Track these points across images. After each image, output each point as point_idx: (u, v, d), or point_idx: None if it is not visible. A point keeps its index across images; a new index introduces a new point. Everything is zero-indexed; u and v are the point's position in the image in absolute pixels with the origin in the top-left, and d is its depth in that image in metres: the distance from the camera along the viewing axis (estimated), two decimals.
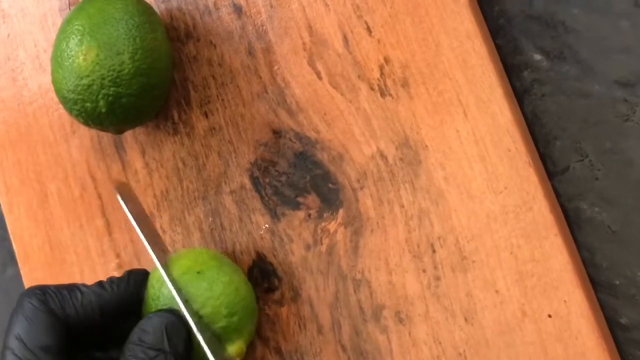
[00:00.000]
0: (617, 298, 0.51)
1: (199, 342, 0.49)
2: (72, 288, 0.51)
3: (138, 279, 0.53)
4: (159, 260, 0.51)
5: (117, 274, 0.60)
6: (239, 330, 0.52)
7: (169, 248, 0.59)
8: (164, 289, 0.51)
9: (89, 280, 0.61)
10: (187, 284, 0.51)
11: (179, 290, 0.51)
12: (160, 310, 0.50)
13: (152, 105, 0.57)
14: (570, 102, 0.52)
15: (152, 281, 0.52)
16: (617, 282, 0.51)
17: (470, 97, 0.52)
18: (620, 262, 0.51)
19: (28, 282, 0.63)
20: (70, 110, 0.55)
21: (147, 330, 0.49)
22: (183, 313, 0.50)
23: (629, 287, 0.51)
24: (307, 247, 0.56)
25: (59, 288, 0.50)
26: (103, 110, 0.54)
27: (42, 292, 0.49)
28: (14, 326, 0.48)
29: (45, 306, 0.49)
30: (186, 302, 0.50)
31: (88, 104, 0.54)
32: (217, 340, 0.51)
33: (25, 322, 0.48)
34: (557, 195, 0.53)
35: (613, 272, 0.51)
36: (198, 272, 0.52)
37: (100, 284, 0.51)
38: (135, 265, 0.60)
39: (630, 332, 0.51)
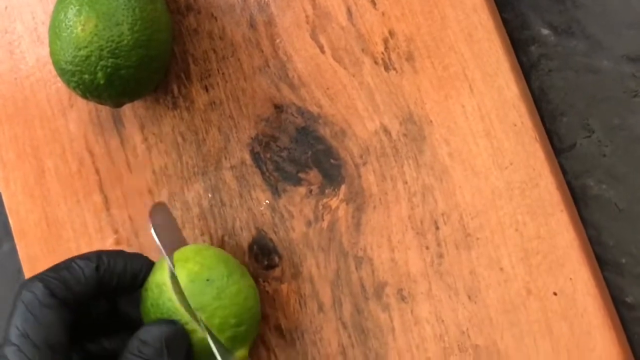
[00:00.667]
0: (623, 277, 0.50)
1: (205, 351, 0.49)
2: (69, 266, 0.49)
3: (135, 266, 0.52)
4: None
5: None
6: (244, 338, 0.51)
7: None
8: (164, 296, 0.50)
9: None
10: (196, 293, 0.50)
11: (187, 300, 0.50)
12: (160, 320, 0.50)
13: (151, 78, 0.56)
14: (578, 78, 0.52)
15: (151, 285, 0.51)
16: (624, 261, 0.50)
17: (476, 71, 0.51)
18: (627, 240, 0.50)
19: (24, 257, 0.62)
20: (68, 82, 0.54)
21: (147, 341, 0.48)
22: (195, 325, 0.49)
23: (636, 265, 0.50)
24: (308, 224, 0.55)
25: (57, 271, 0.49)
26: (101, 82, 0.53)
27: (44, 283, 0.47)
28: (18, 321, 0.46)
29: (52, 299, 0.47)
30: (195, 311, 0.50)
31: (86, 76, 0.53)
32: (224, 349, 0.50)
33: (31, 317, 0.46)
34: (564, 172, 0.52)
35: (619, 251, 0.50)
36: (207, 280, 0.51)
37: (98, 255, 0.50)
38: (134, 242, 0.59)
39: (636, 310, 0.50)
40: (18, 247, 0.63)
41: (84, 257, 0.50)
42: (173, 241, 0.54)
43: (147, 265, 0.52)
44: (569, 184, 0.52)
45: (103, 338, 0.52)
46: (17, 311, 0.46)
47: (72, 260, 0.50)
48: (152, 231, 0.52)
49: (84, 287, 0.49)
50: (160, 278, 0.50)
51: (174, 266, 0.51)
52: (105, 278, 0.50)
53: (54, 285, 0.47)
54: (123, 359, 0.47)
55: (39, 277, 0.48)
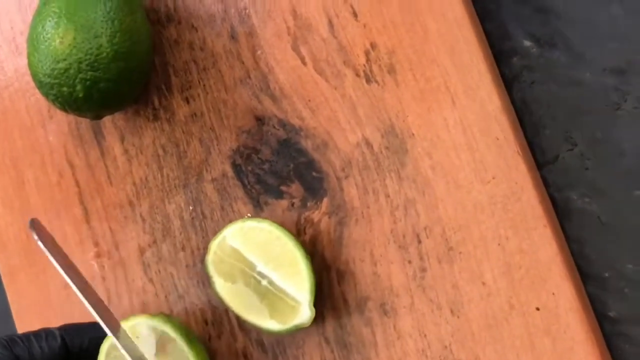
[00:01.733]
0: (607, 291, 0.50)
1: None
2: (39, 332, 0.52)
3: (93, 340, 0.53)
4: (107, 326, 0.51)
5: (95, 263, 0.59)
6: None
7: (149, 237, 0.58)
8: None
9: None
10: None
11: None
12: None
13: (131, 90, 0.55)
14: (561, 90, 0.51)
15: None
16: (607, 275, 0.50)
17: (459, 84, 0.50)
18: (610, 254, 0.50)
19: (4, 269, 0.62)
20: (46, 95, 0.54)
21: None
22: None
23: (618, 279, 0.50)
24: None
25: (26, 334, 0.52)
26: (80, 95, 0.52)
27: (8, 339, 0.50)
28: None
29: (10, 352, 0.50)
30: None
31: (65, 89, 0.52)
32: None
33: None
34: (546, 185, 0.51)
35: (602, 265, 0.50)
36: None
37: (67, 325, 0.53)
38: (114, 255, 0.59)
39: (619, 325, 0.50)
40: None
41: (53, 328, 0.53)
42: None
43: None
44: (551, 197, 0.51)
45: None
46: None
47: (41, 329, 0.53)
48: (41, 244, 0.51)
49: (48, 355, 0.51)
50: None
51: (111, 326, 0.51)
52: (72, 349, 0.52)
53: (16, 345, 0.50)
54: None
55: (8, 335, 0.51)
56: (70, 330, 0.53)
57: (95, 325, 0.52)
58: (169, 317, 0.54)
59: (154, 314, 0.54)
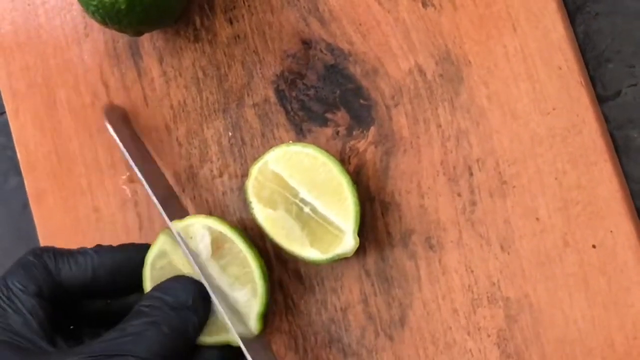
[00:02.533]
0: None
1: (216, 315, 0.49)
2: (70, 250, 0.50)
3: (137, 255, 0.51)
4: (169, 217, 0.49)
5: (127, 188, 0.57)
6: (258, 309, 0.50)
7: (185, 162, 0.56)
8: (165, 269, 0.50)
9: (97, 191, 0.58)
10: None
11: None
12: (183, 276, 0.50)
13: (173, 7, 0.53)
14: (626, 23, 0.49)
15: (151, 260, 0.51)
16: None
17: (521, 10, 0.48)
18: None
19: (32, 192, 0.60)
20: (86, 7, 0.51)
21: (174, 287, 0.48)
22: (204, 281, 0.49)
23: None
24: None
25: (60, 250, 0.50)
26: (122, 6, 0.50)
27: (41, 250, 0.49)
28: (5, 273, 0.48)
29: (39, 260, 0.48)
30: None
31: (106, 0, 0.50)
32: (237, 315, 0.50)
33: (15, 268, 0.48)
34: (606, 121, 0.49)
35: None
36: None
37: (98, 247, 0.51)
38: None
39: None
40: (26, 182, 0.60)
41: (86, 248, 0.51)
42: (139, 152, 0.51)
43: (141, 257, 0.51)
44: (611, 134, 0.49)
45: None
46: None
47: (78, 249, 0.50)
48: (113, 133, 0.49)
49: (72, 269, 0.49)
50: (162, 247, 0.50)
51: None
52: (100, 275, 0.50)
53: (46, 255, 0.49)
54: (145, 299, 0.46)
55: (42, 247, 0.50)
56: (102, 252, 0.50)
57: (126, 248, 0.51)
58: (224, 220, 0.52)
59: (208, 215, 0.52)
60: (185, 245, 0.49)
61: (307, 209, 0.50)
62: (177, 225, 0.50)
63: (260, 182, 0.51)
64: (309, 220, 0.50)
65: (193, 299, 0.47)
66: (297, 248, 0.50)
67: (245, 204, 0.51)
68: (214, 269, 0.50)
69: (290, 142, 0.53)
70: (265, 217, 0.51)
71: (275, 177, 0.50)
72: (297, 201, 0.50)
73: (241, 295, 0.50)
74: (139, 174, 0.48)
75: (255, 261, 0.50)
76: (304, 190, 0.50)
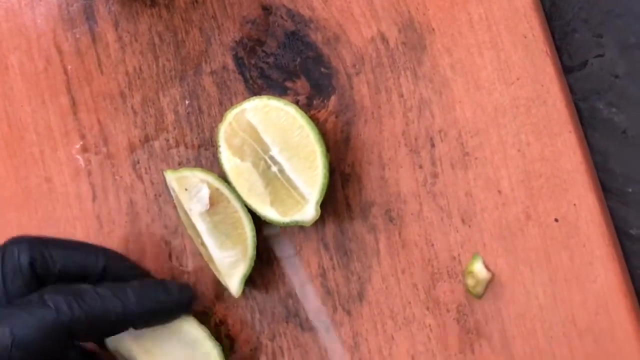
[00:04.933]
0: (629, 207, 0.47)
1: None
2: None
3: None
4: None
5: (80, 157, 0.55)
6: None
7: (140, 131, 0.54)
8: None
9: (50, 160, 0.56)
10: None
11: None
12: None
13: None
14: None
15: None
16: (630, 190, 0.47)
17: None
18: (635, 169, 0.47)
19: None
20: None
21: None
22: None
23: None
24: None
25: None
26: None
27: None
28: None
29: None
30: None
31: None
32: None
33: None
34: (572, 92, 0.48)
35: (626, 179, 0.47)
36: None
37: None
38: (102, 150, 0.55)
39: (639, 243, 0.47)
40: None
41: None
42: None
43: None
44: (576, 105, 0.48)
45: None
46: None
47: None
48: None
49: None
50: None
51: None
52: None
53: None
54: None
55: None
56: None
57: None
58: (221, 178, 0.50)
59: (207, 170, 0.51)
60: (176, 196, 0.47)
61: (274, 168, 0.48)
62: (170, 176, 0.49)
63: (233, 129, 0.49)
64: (274, 180, 0.48)
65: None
66: (257, 204, 0.48)
67: (216, 146, 0.50)
68: (206, 224, 0.49)
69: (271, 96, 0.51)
70: (232, 165, 0.49)
71: (250, 128, 0.49)
72: (266, 157, 0.48)
73: (229, 256, 0.49)
74: None
75: (249, 224, 0.48)
76: (275, 149, 0.48)
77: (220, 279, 0.50)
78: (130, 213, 0.54)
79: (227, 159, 0.49)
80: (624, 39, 0.47)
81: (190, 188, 0.49)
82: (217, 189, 0.49)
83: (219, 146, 0.49)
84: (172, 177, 0.50)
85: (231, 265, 0.49)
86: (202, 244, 0.49)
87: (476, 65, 0.47)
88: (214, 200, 0.49)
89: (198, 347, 0.48)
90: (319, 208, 0.47)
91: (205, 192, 0.49)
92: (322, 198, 0.47)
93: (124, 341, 0.48)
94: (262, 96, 0.49)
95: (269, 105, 0.48)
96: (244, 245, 0.49)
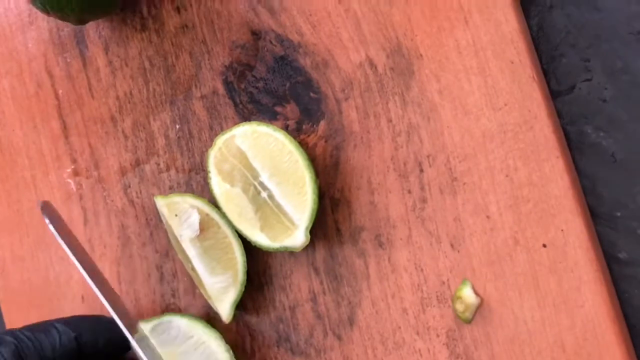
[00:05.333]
0: (617, 231, 0.47)
1: None
2: (47, 328, 0.46)
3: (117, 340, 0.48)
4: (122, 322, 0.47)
5: (71, 181, 0.55)
6: None
7: (131, 155, 0.54)
8: None
9: (42, 184, 0.56)
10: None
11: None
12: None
13: None
14: (581, 15, 0.48)
15: None
16: (618, 214, 0.47)
17: (473, 1, 0.47)
18: (623, 193, 0.47)
19: None
20: None
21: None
22: None
23: (631, 219, 0.47)
24: None
25: (34, 331, 0.46)
26: None
27: (16, 340, 0.45)
28: None
29: (17, 358, 0.44)
30: None
31: None
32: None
33: None
34: (560, 117, 0.48)
35: (614, 203, 0.47)
36: None
37: (81, 319, 0.48)
38: (93, 173, 0.55)
39: (628, 267, 0.47)
40: None
41: (65, 321, 0.47)
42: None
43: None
44: (564, 130, 0.48)
45: None
46: None
47: (52, 322, 0.47)
48: (51, 227, 0.47)
49: (60, 355, 0.46)
50: None
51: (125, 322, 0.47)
52: (86, 348, 0.47)
53: (25, 346, 0.45)
54: None
55: (11, 332, 0.45)
56: (84, 329, 0.47)
57: (110, 321, 0.48)
58: (211, 203, 0.50)
59: (196, 195, 0.51)
60: (145, 345, 0.47)
61: (264, 194, 0.48)
62: (161, 202, 0.49)
63: (223, 155, 0.49)
64: (264, 205, 0.48)
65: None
66: (247, 229, 0.49)
67: (206, 172, 0.50)
68: (196, 250, 0.49)
69: (261, 122, 0.51)
70: (222, 191, 0.49)
71: (239, 154, 0.49)
72: (256, 183, 0.48)
73: (219, 281, 0.49)
74: (81, 268, 0.46)
75: (240, 249, 0.49)
76: (265, 174, 0.48)
77: (211, 304, 0.50)
78: (121, 237, 0.54)
79: (217, 185, 0.49)
80: (612, 63, 0.47)
81: (181, 214, 0.49)
82: (207, 215, 0.49)
83: (209, 172, 0.50)
84: (162, 203, 0.50)
85: (222, 290, 0.49)
86: (193, 269, 0.50)
87: (464, 90, 0.47)
88: (204, 226, 0.49)
89: None
90: (308, 234, 0.47)
91: (195, 218, 0.49)
92: (311, 223, 0.47)
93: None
94: (251, 122, 0.49)
95: (257, 131, 0.49)
96: (235, 270, 0.49)
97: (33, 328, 0.46)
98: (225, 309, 0.49)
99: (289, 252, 0.50)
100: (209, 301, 0.50)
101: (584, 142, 0.48)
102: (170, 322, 0.50)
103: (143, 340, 0.47)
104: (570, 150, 0.48)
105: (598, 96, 0.47)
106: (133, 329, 0.47)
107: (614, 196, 0.47)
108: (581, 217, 0.45)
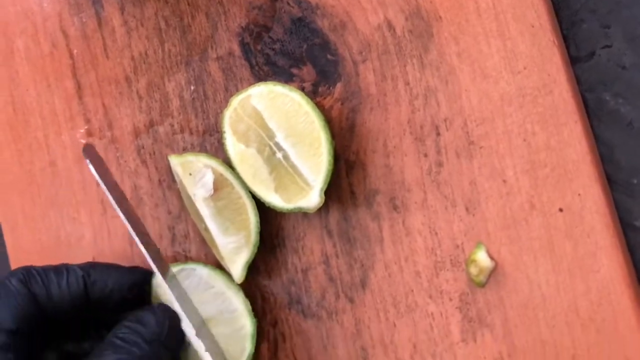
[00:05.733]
0: (634, 198, 0.47)
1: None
2: (57, 267, 0.47)
3: (137, 277, 0.48)
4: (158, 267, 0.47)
5: (85, 142, 0.55)
6: None
7: (145, 116, 0.54)
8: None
9: (54, 147, 0.56)
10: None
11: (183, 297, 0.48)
12: (161, 304, 0.47)
13: None
14: None
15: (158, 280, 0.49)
16: (635, 182, 0.47)
17: None
18: None
19: None
20: None
21: (148, 318, 0.45)
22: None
23: None
24: None
25: (46, 269, 0.46)
26: None
27: (26, 273, 0.45)
28: None
29: (26, 289, 0.45)
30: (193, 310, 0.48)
31: None
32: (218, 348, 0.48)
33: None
34: (578, 83, 0.48)
35: (632, 171, 0.47)
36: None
37: (91, 264, 0.47)
38: (106, 134, 0.55)
39: None
40: None
41: (78, 264, 0.47)
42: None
43: (141, 279, 0.49)
44: (582, 96, 0.48)
45: (82, 340, 0.49)
46: None
47: (64, 264, 0.47)
48: (92, 169, 0.47)
49: (66, 291, 0.46)
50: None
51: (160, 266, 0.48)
52: (93, 290, 0.47)
53: (32, 279, 0.45)
54: (117, 331, 0.44)
55: (24, 267, 0.46)
56: (93, 271, 0.47)
57: (120, 269, 0.48)
58: (225, 163, 0.50)
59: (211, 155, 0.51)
60: (178, 290, 0.48)
61: (279, 154, 0.48)
62: (175, 160, 0.49)
63: (238, 115, 0.49)
64: (279, 166, 0.48)
65: (167, 333, 0.45)
66: (261, 190, 0.48)
67: (220, 132, 0.50)
68: (210, 210, 0.49)
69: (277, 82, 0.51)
70: (236, 151, 0.49)
71: (255, 114, 0.48)
72: (271, 144, 0.48)
73: (232, 242, 0.49)
74: (122, 216, 0.47)
75: (253, 210, 0.49)
76: (280, 135, 0.48)
77: (224, 265, 0.50)
78: (134, 198, 0.54)
79: (232, 145, 0.49)
80: (632, 29, 0.47)
81: (195, 173, 0.49)
82: (221, 175, 0.49)
83: (224, 132, 0.49)
84: (176, 162, 0.50)
85: (234, 251, 0.49)
86: (206, 229, 0.49)
87: (483, 53, 0.47)
88: (218, 186, 0.49)
89: (236, 318, 0.49)
90: (323, 195, 0.47)
91: (209, 177, 0.49)
92: (326, 185, 0.47)
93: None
94: (267, 82, 0.49)
95: (274, 91, 0.48)
96: (248, 231, 0.49)
97: (44, 266, 0.46)
98: (237, 270, 0.49)
99: (303, 215, 0.50)
100: (221, 262, 0.50)
101: (602, 109, 0.47)
102: (193, 270, 0.49)
103: (172, 281, 0.48)
104: (588, 117, 0.47)
105: (617, 63, 0.47)
106: (165, 273, 0.47)
107: (632, 163, 0.47)
108: (599, 182, 0.45)
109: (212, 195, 0.49)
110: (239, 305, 0.49)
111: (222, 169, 0.49)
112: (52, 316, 0.45)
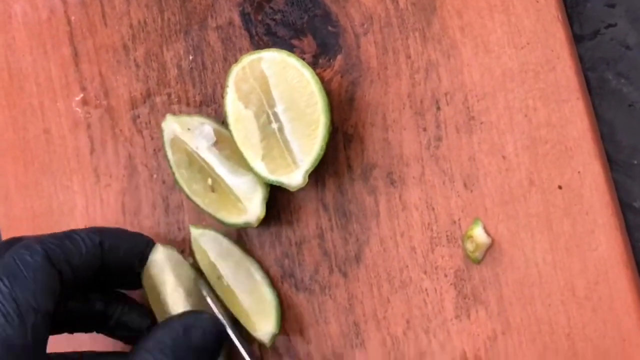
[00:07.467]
0: (634, 179, 0.46)
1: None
2: (69, 235, 0.45)
3: (139, 244, 0.48)
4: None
5: (80, 110, 0.55)
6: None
7: (142, 85, 0.53)
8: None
9: (49, 114, 0.55)
10: None
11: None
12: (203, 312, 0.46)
13: None
14: None
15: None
16: (635, 162, 0.46)
17: None
18: None
19: None
20: None
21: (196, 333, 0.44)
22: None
23: None
24: None
25: (59, 239, 0.44)
26: None
27: (43, 247, 0.43)
28: (5, 280, 0.41)
29: (49, 264, 0.42)
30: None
31: None
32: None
33: (25, 280, 0.41)
34: (581, 62, 0.47)
35: (632, 151, 0.46)
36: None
37: (99, 229, 0.46)
38: (102, 102, 0.54)
39: None
40: None
41: (87, 230, 0.46)
42: None
43: (147, 246, 0.48)
44: (585, 76, 0.47)
45: (91, 299, 0.48)
46: (7, 268, 0.41)
47: (73, 231, 0.45)
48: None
49: (85, 261, 0.44)
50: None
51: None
52: (108, 257, 0.46)
53: (52, 253, 0.43)
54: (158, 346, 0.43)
55: (38, 241, 0.43)
56: (105, 237, 0.46)
57: (128, 234, 0.48)
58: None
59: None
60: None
61: (274, 125, 0.47)
62: (171, 118, 0.50)
63: (245, 74, 0.48)
64: (271, 136, 0.47)
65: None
66: (249, 154, 0.48)
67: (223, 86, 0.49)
68: (216, 156, 0.49)
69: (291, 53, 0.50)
70: (234, 109, 0.48)
71: (262, 78, 0.47)
72: (270, 112, 0.47)
73: (245, 181, 0.48)
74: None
75: None
76: (281, 106, 0.47)
77: (236, 214, 0.48)
78: (128, 167, 0.53)
79: (232, 102, 0.48)
80: (637, 9, 0.46)
81: (193, 128, 0.49)
82: (218, 131, 0.49)
83: (227, 86, 0.48)
84: (173, 120, 0.49)
85: (249, 189, 0.48)
86: (215, 181, 0.49)
87: (486, 28, 0.46)
88: (219, 138, 0.49)
89: (257, 289, 0.49)
90: (307, 177, 0.46)
91: (209, 128, 0.49)
92: (312, 168, 0.46)
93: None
94: (281, 50, 0.48)
95: (286, 61, 0.47)
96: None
97: (54, 235, 0.44)
98: (256, 206, 0.48)
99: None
100: (230, 217, 0.49)
101: (604, 89, 0.47)
102: (215, 237, 0.50)
103: None
104: (590, 96, 0.47)
105: (621, 42, 0.47)
106: None
107: (632, 144, 0.46)
108: (599, 160, 0.44)
109: (215, 145, 0.48)
110: (257, 274, 0.49)
111: (217, 127, 0.49)
112: (68, 285, 0.44)
